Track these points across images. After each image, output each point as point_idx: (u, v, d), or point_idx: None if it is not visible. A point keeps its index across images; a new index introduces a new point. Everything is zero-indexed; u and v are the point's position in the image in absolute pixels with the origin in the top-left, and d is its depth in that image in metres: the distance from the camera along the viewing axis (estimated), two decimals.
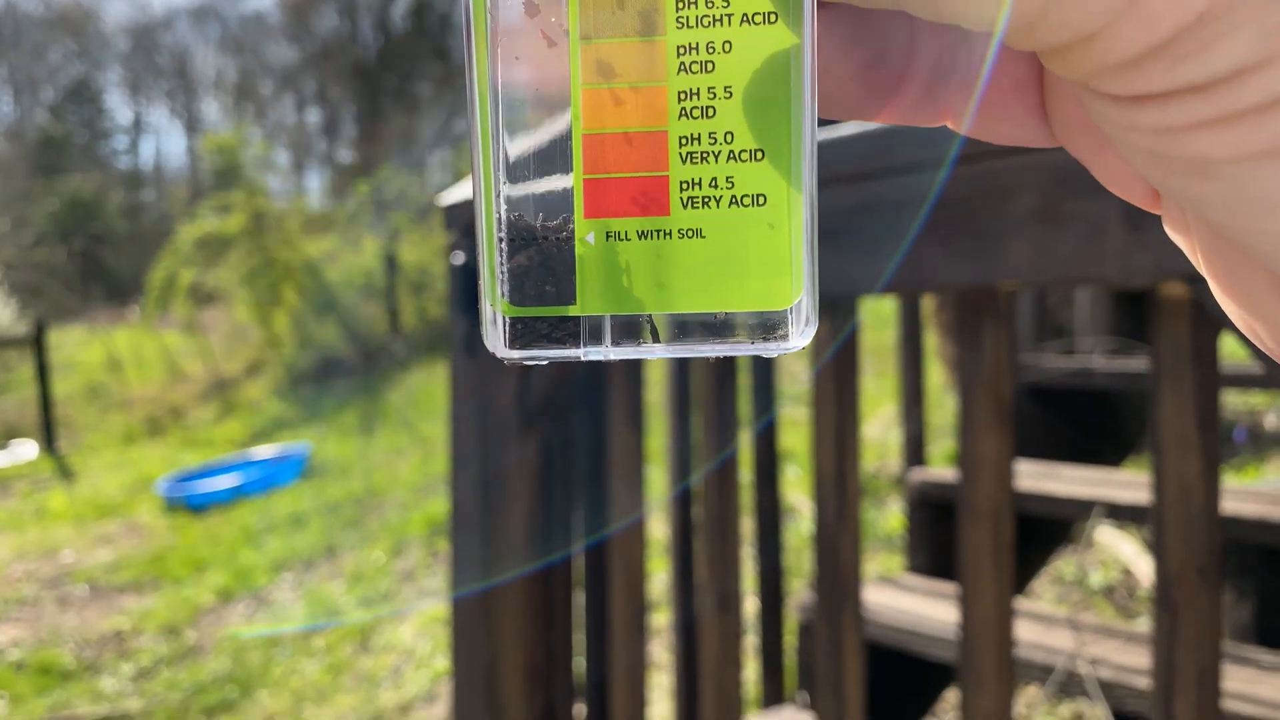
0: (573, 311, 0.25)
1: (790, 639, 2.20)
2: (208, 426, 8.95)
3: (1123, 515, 1.66)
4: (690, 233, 0.24)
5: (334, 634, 4.03)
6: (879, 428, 4.89)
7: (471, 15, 0.24)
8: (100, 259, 19.16)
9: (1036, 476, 1.87)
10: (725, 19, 0.23)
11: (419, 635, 3.86)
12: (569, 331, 0.25)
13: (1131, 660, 1.45)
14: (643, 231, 0.24)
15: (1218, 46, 0.17)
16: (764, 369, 1.92)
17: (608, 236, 0.24)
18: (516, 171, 0.25)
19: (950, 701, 2.60)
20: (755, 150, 0.24)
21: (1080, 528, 3.32)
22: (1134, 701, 1.37)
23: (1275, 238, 0.18)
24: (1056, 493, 1.75)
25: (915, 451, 2.27)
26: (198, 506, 6.08)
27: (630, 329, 0.25)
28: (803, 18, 0.23)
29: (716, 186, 0.24)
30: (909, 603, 1.78)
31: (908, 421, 2.29)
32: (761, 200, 0.24)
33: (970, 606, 0.94)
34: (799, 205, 0.24)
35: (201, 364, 10.40)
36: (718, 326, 0.24)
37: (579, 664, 1.61)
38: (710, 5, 0.23)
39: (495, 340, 0.25)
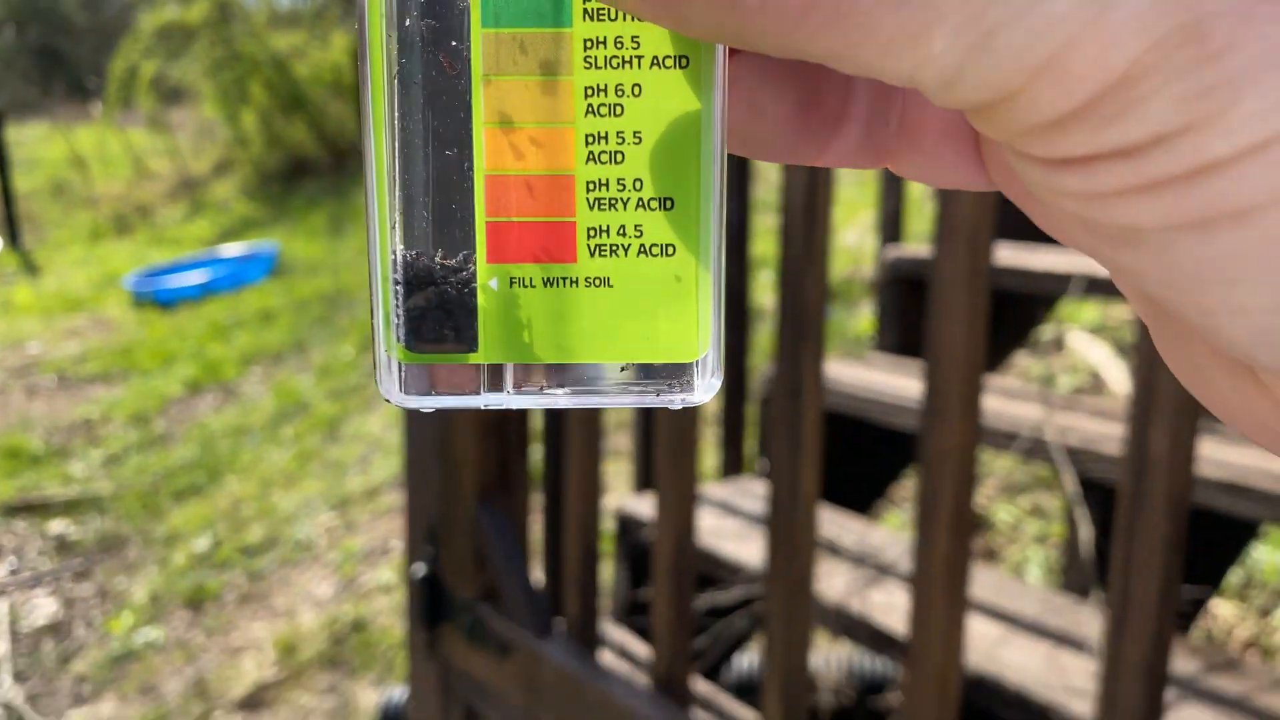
0: (474, 359, 0.24)
1: (751, 429, 2.19)
2: (175, 225, 8.77)
3: (1102, 289, 1.61)
4: (597, 281, 0.24)
5: (302, 424, 4.04)
6: (856, 235, 4.83)
7: (367, 36, 0.22)
8: (60, 52, 18.38)
9: (1015, 252, 1.80)
10: (635, 60, 0.22)
11: (387, 426, 3.86)
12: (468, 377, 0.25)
13: (1100, 430, 1.42)
14: (548, 279, 0.23)
15: (1139, 110, 0.17)
16: (738, 171, 1.82)
17: (511, 283, 0.23)
18: (413, 207, 0.23)
19: (908, 489, 2.62)
20: (665, 199, 0.23)
21: (1049, 328, 3.30)
22: (1099, 468, 1.35)
23: (1210, 313, 0.17)
24: (1035, 266, 1.69)
25: (892, 228, 2.20)
26: (166, 302, 6.00)
27: (532, 375, 0.24)
28: (715, 63, 0.22)
29: (625, 235, 0.23)
30: (875, 376, 1.74)
31: (886, 199, 2.21)
32: (670, 250, 0.23)
33: (938, 331, 0.88)
34: (707, 257, 0.23)
35: (169, 162, 10.13)
36: (622, 377, 0.24)
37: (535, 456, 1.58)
38: (620, 46, 0.22)
39: (389, 386, 0.24)
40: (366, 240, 0.23)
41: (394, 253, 0.23)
